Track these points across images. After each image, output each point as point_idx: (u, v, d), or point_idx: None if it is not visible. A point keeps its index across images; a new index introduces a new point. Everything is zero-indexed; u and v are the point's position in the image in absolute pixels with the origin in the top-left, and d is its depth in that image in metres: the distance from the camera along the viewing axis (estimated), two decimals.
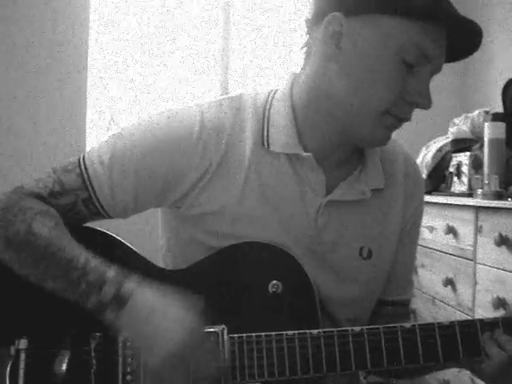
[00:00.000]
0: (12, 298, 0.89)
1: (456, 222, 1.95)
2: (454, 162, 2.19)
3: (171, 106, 0.97)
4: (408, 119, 0.91)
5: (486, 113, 2.19)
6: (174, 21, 2.96)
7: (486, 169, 1.95)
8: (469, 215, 1.86)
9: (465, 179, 2.09)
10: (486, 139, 1.97)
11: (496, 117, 2.03)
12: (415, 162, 1.09)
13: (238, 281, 0.90)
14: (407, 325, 0.86)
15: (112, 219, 0.96)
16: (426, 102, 0.89)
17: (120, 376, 0.85)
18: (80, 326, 0.86)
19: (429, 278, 2.17)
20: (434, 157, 2.31)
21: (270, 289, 0.89)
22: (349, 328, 0.85)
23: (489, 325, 0.86)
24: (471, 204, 1.83)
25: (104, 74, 2.90)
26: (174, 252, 1.01)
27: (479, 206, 1.79)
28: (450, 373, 1.93)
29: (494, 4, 2.78)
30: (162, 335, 0.79)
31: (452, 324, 0.86)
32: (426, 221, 2.07)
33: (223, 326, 0.85)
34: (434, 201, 2.08)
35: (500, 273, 1.66)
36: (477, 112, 2.26)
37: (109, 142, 0.94)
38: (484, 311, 1.74)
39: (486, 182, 1.90)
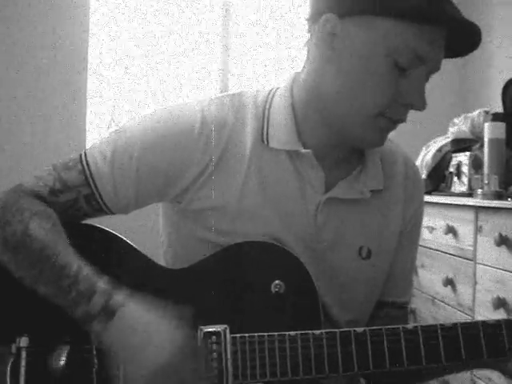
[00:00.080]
0: (13, 296, 0.89)
1: (456, 222, 1.96)
2: (453, 161, 2.19)
3: (172, 104, 0.98)
4: (403, 121, 0.91)
5: (486, 113, 2.19)
6: (174, 21, 2.96)
7: (485, 169, 1.95)
8: (469, 215, 1.86)
9: (465, 179, 2.09)
10: (485, 139, 1.97)
11: (496, 117, 2.03)
12: (415, 164, 1.09)
13: (240, 280, 0.90)
14: (410, 326, 0.86)
15: (112, 215, 0.96)
16: (420, 104, 0.88)
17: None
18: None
19: (429, 278, 2.17)
20: (433, 157, 2.31)
21: (273, 289, 0.89)
22: (351, 329, 0.85)
23: (491, 327, 0.86)
24: (471, 204, 1.83)
25: (104, 74, 2.90)
26: (174, 248, 1.01)
27: (479, 206, 1.79)
28: None
29: (493, 4, 2.78)
30: (149, 350, 0.78)
31: (454, 326, 0.86)
32: (425, 221, 2.06)
33: (225, 326, 0.85)
34: (434, 201, 2.08)
35: (500, 273, 1.66)
36: (477, 112, 2.26)
37: (110, 138, 0.94)
38: (484, 311, 1.74)
39: (486, 181, 1.90)
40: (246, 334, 0.84)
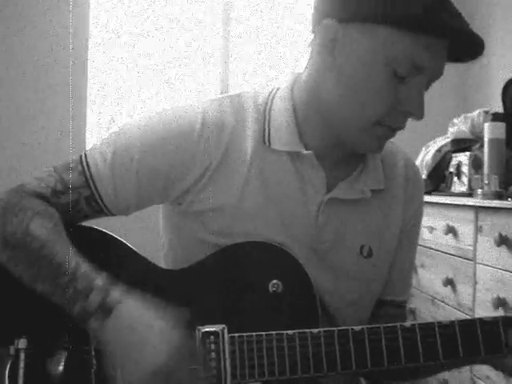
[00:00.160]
0: (11, 297, 0.89)
1: (456, 222, 1.96)
2: (453, 161, 2.19)
3: (172, 105, 0.98)
4: (401, 128, 0.91)
5: (486, 113, 2.19)
6: (174, 21, 2.97)
7: (485, 169, 1.95)
8: (469, 215, 1.85)
9: (465, 179, 2.09)
10: (485, 139, 1.97)
11: (496, 117, 2.03)
12: (415, 165, 1.09)
13: (238, 280, 0.90)
14: (407, 324, 0.86)
15: (112, 217, 0.96)
16: (418, 113, 0.88)
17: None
18: (79, 325, 0.86)
19: (429, 277, 2.17)
20: (433, 157, 2.31)
21: (271, 288, 0.89)
22: (349, 327, 0.85)
23: (488, 324, 0.86)
24: (471, 204, 1.83)
25: (104, 74, 2.90)
26: (175, 249, 1.01)
27: (479, 206, 1.79)
28: (450, 373, 1.93)
29: (494, 4, 2.78)
30: (146, 349, 0.77)
31: (452, 323, 0.86)
32: (425, 221, 2.07)
33: (223, 326, 0.85)
34: (434, 201, 2.08)
35: (500, 273, 1.66)
36: (477, 112, 2.26)
37: (110, 139, 0.94)
38: (484, 311, 1.74)
39: (486, 181, 1.90)
40: (244, 334, 0.84)
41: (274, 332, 0.84)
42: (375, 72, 0.85)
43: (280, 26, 3.07)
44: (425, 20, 0.82)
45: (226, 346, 0.84)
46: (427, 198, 1.95)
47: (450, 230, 1.98)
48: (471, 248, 1.84)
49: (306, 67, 0.95)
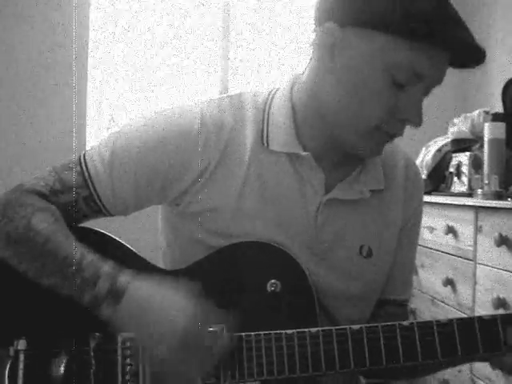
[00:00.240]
0: (11, 298, 0.89)
1: (456, 222, 1.95)
2: (453, 161, 2.19)
3: (171, 105, 0.98)
4: (400, 135, 0.91)
5: (486, 113, 2.19)
6: (174, 20, 2.97)
7: (485, 169, 1.95)
8: (469, 215, 1.85)
9: (465, 179, 2.09)
10: (485, 139, 1.97)
11: (496, 117, 2.03)
12: (415, 165, 1.09)
13: (236, 280, 0.90)
14: (405, 322, 0.86)
15: (111, 217, 0.96)
16: (416, 120, 0.88)
17: (119, 376, 0.84)
18: (79, 326, 0.86)
19: (429, 278, 2.17)
20: (433, 157, 2.31)
21: (269, 288, 0.89)
22: (347, 326, 0.85)
23: (487, 322, 0.86)
24: (471, 204, 1.83)
25: (104, 74, 2.90)
26: (173, 250, 1.01)
27: (479, 206, 1.79)
28: (450, 373, 1.93)
29: (494, 4, 2.78)
30: (163, 325, 0.78)
31: (450, 322, 0.86)
32: (425, 221, 2.07)
33: (222, 325, 0.85)
34: (434, 201, 2.08)
35: (500, 273, 1.66)
36: (477, 112, 2.26)
37: (109, 139, 0.94)
38: (484, 311, 1.73)
39: (486, 181, 1.90)
40: (243, 333, 0.84)
41: (272, 331, 0.84)
42: (374, 78, 0.85)
43: (280, 26, 3.07)
44: (426, 30, 0.82)
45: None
46: (427, 198, 1.95)
47: (450, 230, 1.98)
48: (471, 248, 1.84)
49: (306, 68, 0.95)
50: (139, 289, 0.81)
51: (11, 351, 0.85)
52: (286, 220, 0.94)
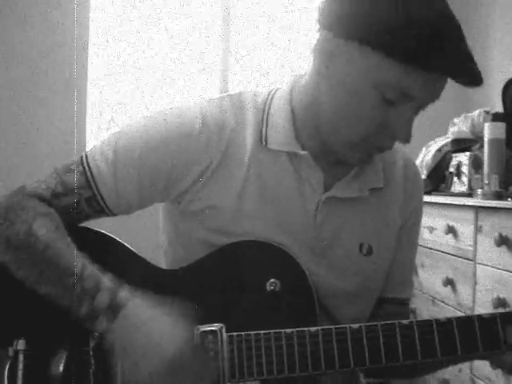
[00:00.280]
0: (10, 298, 0.89)
1: (456, 222, 1.95)
2: (453, 161, 2.19)
3: (171, 105, 0.98)
4: (389, 148, 0.91)
5: (486, 113, 2.19)
6: (173, 21, 2.97)
7: (485, 169, 1.95)
8: (469, 215, 1.85)
9: (465, 179, 2.09)
10: (485, 139, 1.97)
11: (496, 117, 2.03)
12: (415, 164, 1.10)
13: (236, 279, 0.90)
14: (405, 321, 0.86)
15: (112, 217, 0.96)
16: (403, 138, 0.87)
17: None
18: (79, 326, 0.85)
19: (429, 278, 2.17)
20: (434, 157, 2.31)
21: (268, 287, 0.89)
22: (347, 325, 0.85)
23: (486, 320, 0.86)
24: (471, 204, 1.83)
25: (104, 74, 2.90)
26: (174, 248, 1.01)
27: (479, 206, 1.79)
28: (450, 372, 1.93)
29: (493, 4, 2.78)
30: (152, 346, 0.78)
31: (450, 320, 0.86)
32: (425, 221, 2.07)
33: (222, 325, 0.85)
34: (434, 201, 2.08)
35: (500, 273, 1.66)
36: (477, 112, 2.26)
37: (111, 139, 0.94)
38: (484, 311, 1.73)
39: (486, 182, 1.90)
40: (243, 333, 0.84)
41: (272, 331, 0.84)
42: (364, 93, 0.85)
43: (280, 26, 3.07)
44: (415, 53, 0.80)
45: (225, 344, 0.84)
46: (427, 198, 1.95)
47: (450, 230, 1.98)
48: (471, 248, 1.84)
49: (307, 71, 0.95)
50: (136, 307, 0.81)
51: (10, 351, 0.85)
52: (286, 219, 0.94)
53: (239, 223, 0.92)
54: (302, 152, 0.94)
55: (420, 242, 1.11)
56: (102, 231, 0.95)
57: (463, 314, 1.86)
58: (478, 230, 1.80)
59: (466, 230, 1.88)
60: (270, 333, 0.84)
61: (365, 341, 0.84)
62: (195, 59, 3.00)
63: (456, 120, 2.37)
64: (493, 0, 2.78)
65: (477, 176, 2.02)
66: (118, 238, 0.94)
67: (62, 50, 2.67)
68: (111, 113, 2.93)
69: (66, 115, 2.67)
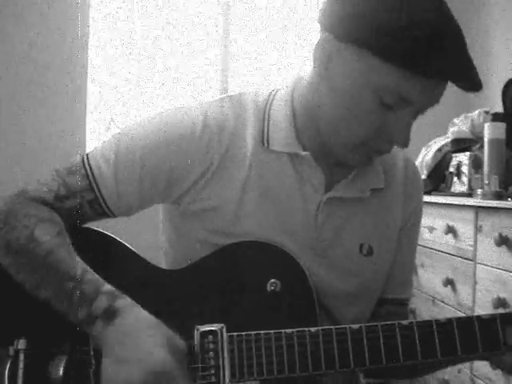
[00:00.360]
0: (11, 298, 0.88)
1: (456, 222, 1.96)
2: (453, 161, 2.19)
3: (172, 106, 0.98)
4: (387, 152, 0.91)
5: (486, 113, 2.20)
6: (173, 21, 2.97)
7: (485, 169, 1.95)
8: (469, 215, 1.86)
9: (465, 179, 2.09)
10: (485, 139, 1.97)
11: (496, 117, 2.03)
12: (414, 164, 1.10)
13: (236, 279, 0.90)
14: (405, 322, 0.86)
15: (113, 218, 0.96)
16: (401, 143, 0.87)
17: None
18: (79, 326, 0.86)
19: (429, 278, 2.17)
20: (433, 157, 2.31)
21: (269, 287, 0.89)
22: (347, 325, 0.85)
23: (486, 321, 0.87)
24: (471, 204, 1.83)
25: (104, 75, 2.90)
26: (175, 249, 1.01)
27: (479, 206, 1.79)
28: (450, 373, 1.93)
29: (493, 4, 2.78)
30: (139, 357, 0.76)
31: (450, 321, 0.86)
32: (425, 221, 2.07)
33: (222, 325, 0.85)
34: (434, 201, 2.08)
35: (500, 273, 1.66)
36: (477, 112, 2.26)
37: (112, 141, 0.94)
38: (484, 311, 1.73)
39: (486, 182, 1.90)
40: (243, 333, 0.84)
41: (272, 331, 0.84)
42: (362, 97, 0.85)
43: (280, 27, 3.07)
44: (414, 58, 0.80)
45: (225, 345, 0.84)
46: (427, 198, 1.95)
47: (450, 230, 1.98)
48: (471, 248, 1.84)
49: (308, 72, 0.95)
50: (133, 314, 0.80)
51: (11, 351, 0.85)
52: (287, 219, 0.94)
53: (240, 224, 0.92)
54: (304, 153, 0.94)
55: (420, 242, 1.11)
56: (104, 231, 0.95)
57: (463, 314, 1.87)
58: (478, 230, 1.80)
59: (465, 230, 1.88)
60: (270, 333, 0.84)
61: (365, 341, 0.84)
62: (195, 59, 2.99)
63: (456, 120, 2.37)
64: (493, 0, 2.78)
65: (477, 176, 2.02)
66: (118, 238, 0.95)
67: (62, 49, 2.67)
68: (111, 113, 2.93)
69: (66, 115, 2.67)
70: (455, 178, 2.14)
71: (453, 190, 2.16)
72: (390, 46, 0.80)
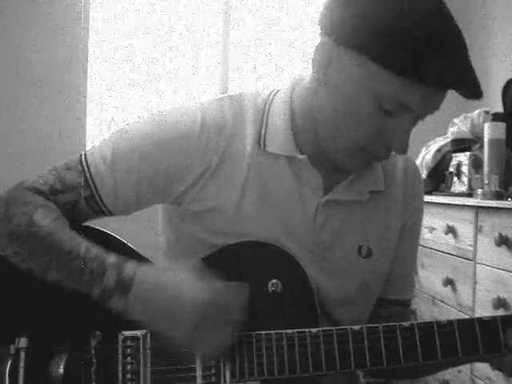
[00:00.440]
0: (12, 296, 0.89)
1: (456, 222, 1.96)
2: (453, 161, 2.19)
3: (172, 105, 0.98)
4: (385, 158, 0.91)
5: (486, 113, 2.20)
6: (173, 20, 2.97)
7: (485, 169, 1.95)
8: (469, 215, 1.86)
9: (465, 179, 2.09)
10: (485, 139, 1.97)
11: (496, 117, 2.03)
12: (415, 163, 1.09)
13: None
14: (406, 323, 0.86)
15: (112, 216, 0.96)
16: (400, 149, 0.87)
17: (120, 374, 0.84)
18: (80, 324, 0.86)
19: (429, 278, 2.17)
20: (433, 157, 2.31)
21: (270, 288, 0.89)
22: (348, 326, 0.85)
23: (487, 323, 0.87)
24: (471, 204, 1.83)
25: (104, 74, 2.90)
26: (174, 249, 1.01)
27: (479, 206, 1.79)
28: (450, 373, 1.93)
29: (493, 3, 2.78)
30: (178, 303, 0.78)
31: (451, 323, 0.86)
32: (426, 221, 2.06)
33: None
34: (434, 201, 2.08)
35: (500, 273, 1.66)
36: (477, 112, 2.26)
37: (111, 139, 0.94)
38: (484, 311, 1.74)
39: (486, 181, 1.90)
40: (244, 333, 0.84)
41: (273, 331, 0.84)
42: (361, 102, 0.84)
43: (280, 27, 3.07)
44: (412, 64, 0.79)
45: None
46: (427, 198, 1.95)
47: (450, 230, 1.98)
48: (471, 248, 1.84)
49: (308, 75, 0.95)
50: (146, 275, 0.81)
51: (12, 349, 0.85)
52: (285, 221, 0.94)
53: (239, 224, 0.92)
54: (301, 156, 0.93)
55: (420, 242, 1.11)
56: (104, 230, 0.95)
57: (463, 314, 1.87)
58: (478, 229, 1.80)
59: (465, 230, 1.88)
60: (271, 333, 0.84)
61: (366, 342, 0.84)
62: (195, 59, 2.99)
63: (456, 120, 2.37)
64: (493, 0, 2.78)
65: (477, 176, 2.03)
66: (119, 237, 0.94)
67: (62, 50, 2.67)
68: (111, 113, 2.93)
69: (66, 115, 2.67)
70: (455, 178, 2.14)
71: (453, 189, 2.17)
72: (390, 51, 0.79)
